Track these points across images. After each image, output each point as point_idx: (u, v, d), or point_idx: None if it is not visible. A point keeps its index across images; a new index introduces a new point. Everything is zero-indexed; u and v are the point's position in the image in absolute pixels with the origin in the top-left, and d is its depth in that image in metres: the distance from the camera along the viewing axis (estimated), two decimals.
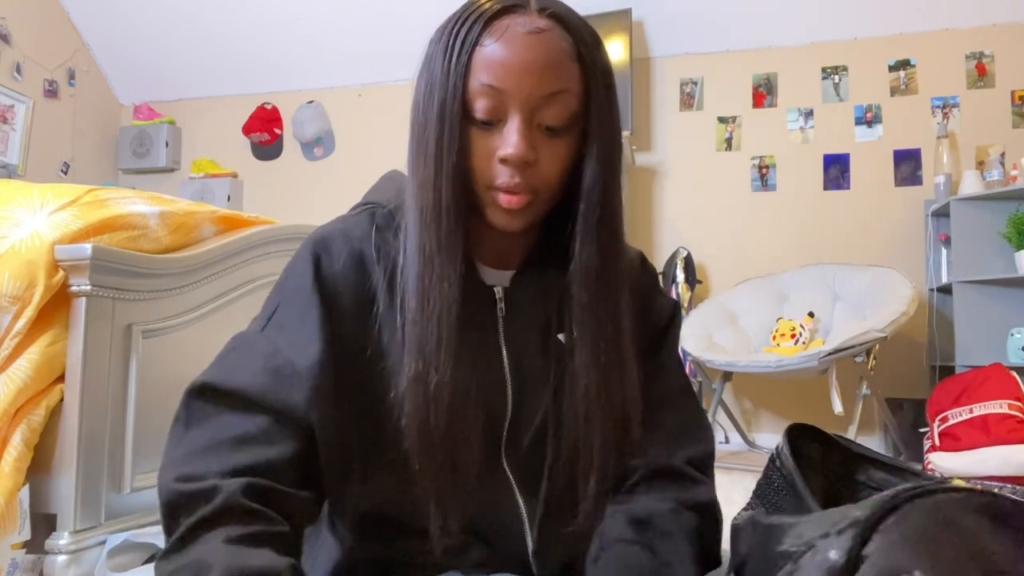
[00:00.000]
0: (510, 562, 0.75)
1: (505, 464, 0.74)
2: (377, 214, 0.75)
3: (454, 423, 0.67)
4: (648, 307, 0.80)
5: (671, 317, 0.82)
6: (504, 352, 0.73)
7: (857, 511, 0.47)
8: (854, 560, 0.44)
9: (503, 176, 0.66)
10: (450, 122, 0.65)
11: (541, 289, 0.74)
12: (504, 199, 0.66)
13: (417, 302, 0.67)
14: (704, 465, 0.76)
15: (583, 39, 0.67)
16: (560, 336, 0.73)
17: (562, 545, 0.75)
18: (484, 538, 0.75)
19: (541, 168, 0.67)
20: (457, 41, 0.65)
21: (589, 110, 0.68)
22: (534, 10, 0.66)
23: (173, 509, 0.60)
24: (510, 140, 0.65)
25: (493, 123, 0.66)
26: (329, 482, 0.69)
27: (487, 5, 0.66)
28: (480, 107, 0.65)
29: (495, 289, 0.74)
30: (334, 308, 0.69)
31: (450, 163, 0.65)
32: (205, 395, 0.66)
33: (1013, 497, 0.46)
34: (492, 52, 0.64)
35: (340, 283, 0.70)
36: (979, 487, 0.47)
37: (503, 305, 0.74)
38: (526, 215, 0.68)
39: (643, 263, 0.83)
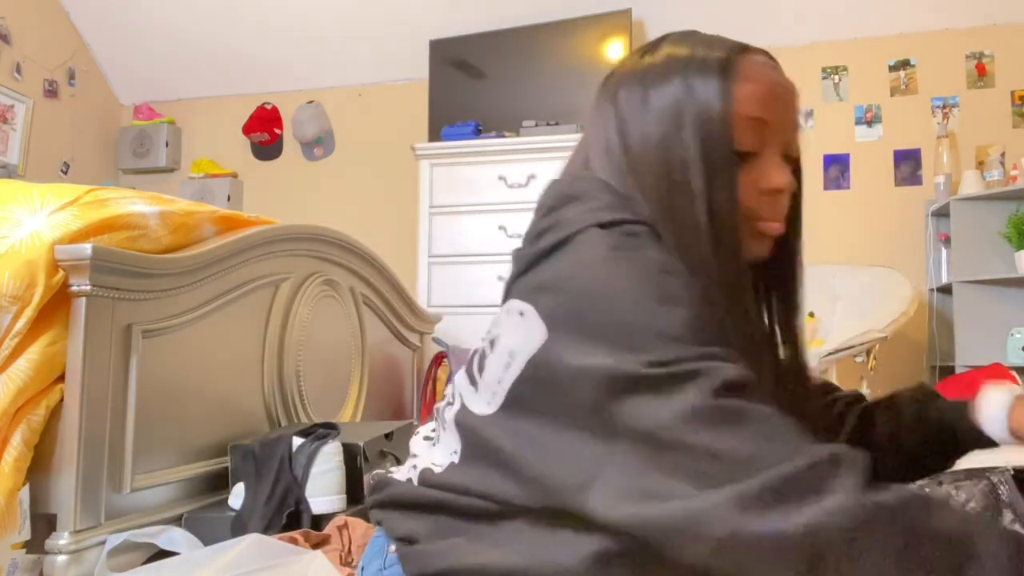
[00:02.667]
0: None
1: None
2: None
3: None
4: None
5: None
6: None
7: None
8: None
9: (767, 207, 0.67)
10: (723, 158, 0.65)
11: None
12: (767, 226, 0.68)
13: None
14: None
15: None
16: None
17: None
18: None
19: (788, 198, 0.70)
20: (708, 78, 0.66)
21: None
22: (756, 52, 0.69)
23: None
24: (778, 172, 0.67)
25: (752, 155, 0.67)
26: None
27: (724, 52, 0.68)
28: (746, 140, 0.66)
29: None
30: None
31: (729, 199, 0.65)
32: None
33: None
34: (754, 88, 0.66)
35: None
36: None
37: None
38: (773, 243, 0.71)
39: None
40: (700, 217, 0.64)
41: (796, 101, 0.69)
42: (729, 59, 0.67)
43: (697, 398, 0.54)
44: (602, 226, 0.65)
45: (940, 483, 0.77)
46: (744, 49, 0.69)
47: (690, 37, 0.72)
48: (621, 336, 0.57)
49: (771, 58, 0.71)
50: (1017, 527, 0.69)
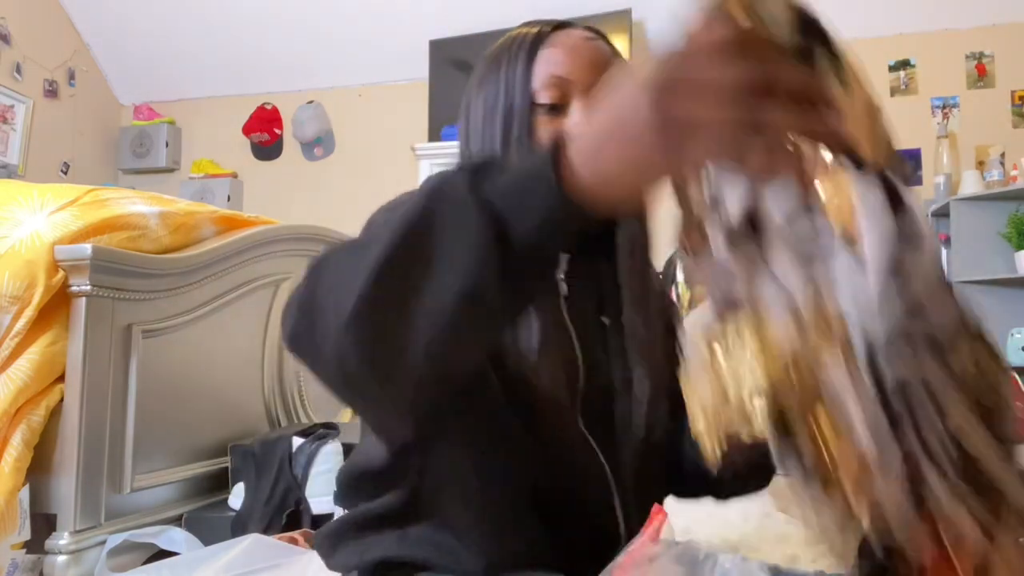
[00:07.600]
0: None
1: (590, 438, 0.76)
2: None
3: (545, 400, 0.71)
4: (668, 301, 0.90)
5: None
6: (572, 331, 0.78)
7: None
8: None
9: None
10: (520, 111, 0.73)
11: (592, 274, 0.81)
12: None
13: None
14: None
15: (616, 50, 0.80)
16: (604, 319, 0.81)
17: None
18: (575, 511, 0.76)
19: None
20: (521, 50, 0.75)
21: None
22: (580, 27, 0.78)
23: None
24: (577, 118, 0.72)
25: (558, 108, 0.73)
26: None
27: (539, 28, 0.76)
28: (546, 95, 0.73)
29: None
30: None
31: (520, 143, 0.72)
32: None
33: None
34: (556, 52, 0.74)
35: None
36: None
37: (565, 287, 0.80)
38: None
39: None
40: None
41: (601, 64, 0.75)
42: (541, 32, 0.76)
43: None
44: None
45: None
46: (563, 25, 0.77)
47: (532, 22, 0.79)
48: None
49: (595, 34, 0.78)
50: None
